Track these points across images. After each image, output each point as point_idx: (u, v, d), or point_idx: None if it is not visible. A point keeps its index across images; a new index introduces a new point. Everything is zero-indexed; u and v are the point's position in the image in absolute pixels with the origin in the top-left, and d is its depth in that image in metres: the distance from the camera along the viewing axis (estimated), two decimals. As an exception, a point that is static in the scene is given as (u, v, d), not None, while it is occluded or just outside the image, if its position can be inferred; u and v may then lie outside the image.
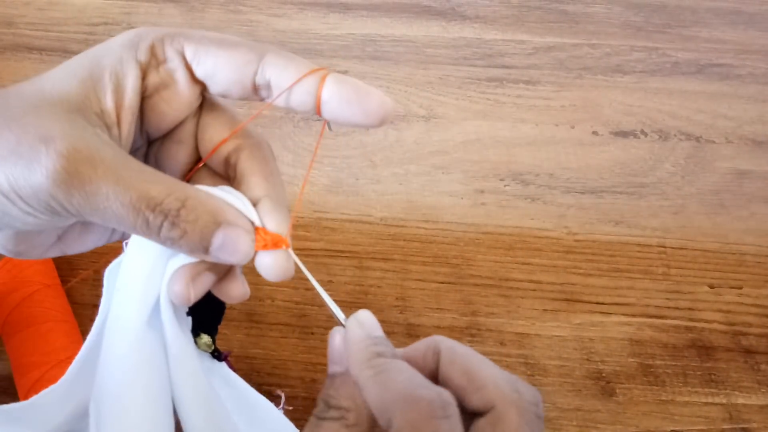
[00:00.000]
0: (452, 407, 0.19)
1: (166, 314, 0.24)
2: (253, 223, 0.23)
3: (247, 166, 0.25)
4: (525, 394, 0.21)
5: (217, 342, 0.50)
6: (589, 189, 0.58)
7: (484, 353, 0.54)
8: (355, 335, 0.23)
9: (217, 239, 0.21)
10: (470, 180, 0.58)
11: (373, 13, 0.67)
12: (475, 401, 0.21)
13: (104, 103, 0.23)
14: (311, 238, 0.54)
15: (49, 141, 0.20)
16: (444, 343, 0.23)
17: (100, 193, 0.20)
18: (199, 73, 0.24)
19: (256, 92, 0.24)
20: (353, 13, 0.67)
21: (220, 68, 0.23)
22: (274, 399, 0.44)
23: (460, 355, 0.22)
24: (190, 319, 0.26)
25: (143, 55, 0.23)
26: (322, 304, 0.52)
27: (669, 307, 0.52)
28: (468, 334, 0.50)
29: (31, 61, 0.63)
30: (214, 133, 0.25)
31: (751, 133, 0.61)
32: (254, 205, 0.24)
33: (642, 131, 0.61)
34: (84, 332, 0.48)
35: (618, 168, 0.59)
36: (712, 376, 0.49)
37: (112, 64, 0.23)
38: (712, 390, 0.49)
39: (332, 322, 0.53)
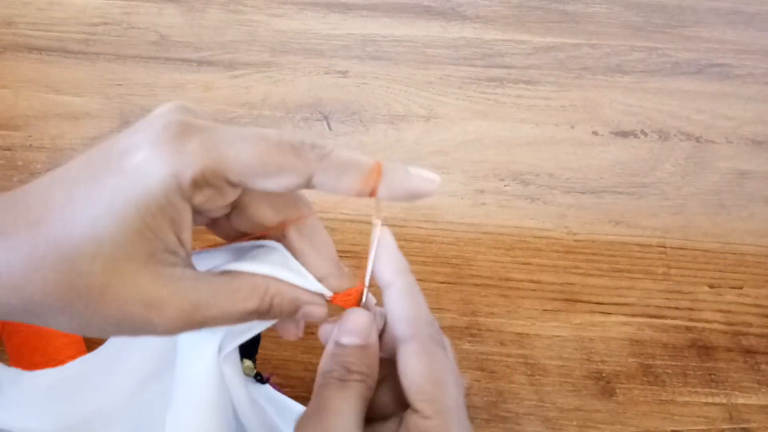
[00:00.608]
0: None
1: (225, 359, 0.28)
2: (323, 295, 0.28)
3: (304, 249, 0.28)
4: (420, 332, 0.27)
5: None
6: (589, 189, 0.58)
7: (484, 353, 0.54)
8: (392, 247, 0.28)
9: (299, 315, 0.27)
10: (470, 180, 0.58)
11: (373, 13, 0.67)
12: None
13: (166, 237, 0.23)
14: (311, 238, 0.54)
15: (151, 309, 0.23)
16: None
17: (210, 324, 0.25)
18: (247, 189, 0.25)
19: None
20: (353, 13, 0.67)
21: (268, 190, 0.24)
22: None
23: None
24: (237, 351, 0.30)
25: (188, 192, 0.23)
26: (322, 304, 0.52)
27: (669, 307, 0.52)
28: (468, 334, 0.50)
29: (31, 61, 0.63)
30: (260, 215, 0.27)
31: (751, 133, 0.61)
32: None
33: (642, 131, 0.61)
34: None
35: (618, 168, 0.59)
36: (712, 376, 0.49)
37: (160, 206, 0.22)
38: (712, 390, 0.49)
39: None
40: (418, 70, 0.64)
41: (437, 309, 0.51)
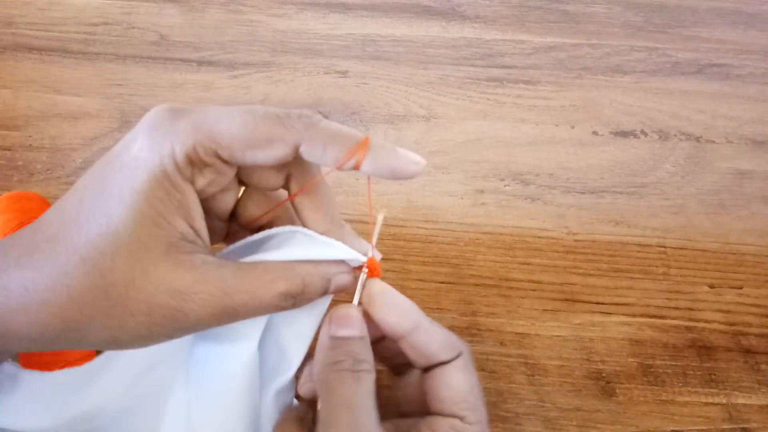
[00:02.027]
0: None
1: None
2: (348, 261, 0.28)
3: (304, 204, 0.28)
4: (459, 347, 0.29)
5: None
6: (589, 189, 0.58)
7: (484, 353, 0.54)
8: (393, 295, 0.30)
9: (330, 290, 0.27)
10: (470, 180, 0.58)
11: (373, 13, 0.67)
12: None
13: (180, 226, 0.24)
14: (311, 238, 0.54)
15: (182, 300, 0.23)
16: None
17: (241, 313, 0.24)
18: (238, 165, 0.25)
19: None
20: (353, 13, 0.67)
21: (259, 163, 0.25)
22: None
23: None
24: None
25: (186, 170, 0.23)
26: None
27: (669, 307, 0.52)
28: (468, 334, 0.50)
29: (31, 61, 0.63)
30: (265, 180, 0.28)
31: (751, 133, 0.61)
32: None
33: (642, 131, 0.61)
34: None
35: (618, 168, 0.59)
36: (712, 376, 0.49)
37: (164, 189, 0.23)
38: (712, 390, 0.49)
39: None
40: (417, 70, 0.64)
41: (437, 309, 0.51)
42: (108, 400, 0.30)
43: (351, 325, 0.27)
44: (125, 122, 0.59)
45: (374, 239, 0.29)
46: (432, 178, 0.57)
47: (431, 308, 0.51)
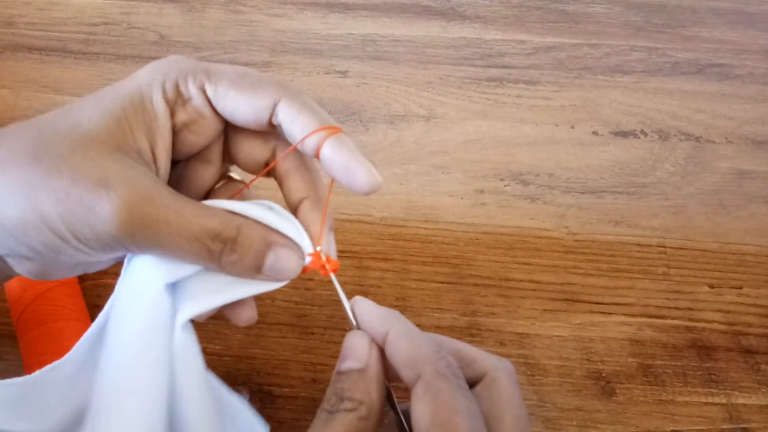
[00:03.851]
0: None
1: (178, 331, 0.25)
2: (302, 248, 0.25)
3: (285, 168, 0.27)
4: (506, 363, 0.25)
5: (215, 342, 0.50)
6: (589, 189, 0.58)
7: (484, 353, 0.54)
8: (369, 304, 0.25)
9: (269, 260, 0.24)
10: (470, 180, 0.58)
11: (373, 13, 0.67)
12: (468, 372, 0.24)
13: (140, 141, 0.23)
14: (311, 238, 0.54)
15: (107, 185, 0.21)
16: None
17: (163, 232, 0.22)
18: (220, 110, 0.25)
19: (273, 129, 0.26)
20: (353, 13, 0.67)
21: (239, 110, 0.25)
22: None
23: (446, 340, 0.25)
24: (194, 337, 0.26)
25: (171, 93, 0.24)
26: (322, 305, 0.52)
27: (669, 307, 0.52)
28: (468, 334, 0.50)
29: (31, 61, 0.63)
30: (249, 150, 0.27)
31: (751, 133, 0.61)
32: (296, 206, 0.26)
33: (642, 131, 0.61)
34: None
35: (618, 168, 0.59)
36: (712, 376, 0.49)
37: (143, 103, 0.24)
38: (712, 390, 0.49)
39: (332, 322, 0.53)
40: (418, 70, 0.64)
41: (437, 309, 0.51)
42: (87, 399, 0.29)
43: (349, 356, 0.24)
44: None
45: (324, 226, 0.26)
46: (432, 178, 0.57)
47: (431, 308, 0.51)
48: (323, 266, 0.25)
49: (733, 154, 0.60)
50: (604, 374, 0.49)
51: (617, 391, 0.49)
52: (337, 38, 0.65)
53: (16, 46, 0.64)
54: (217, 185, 0.29)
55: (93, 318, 0.50)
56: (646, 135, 0.61)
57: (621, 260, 0.54)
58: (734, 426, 0.48)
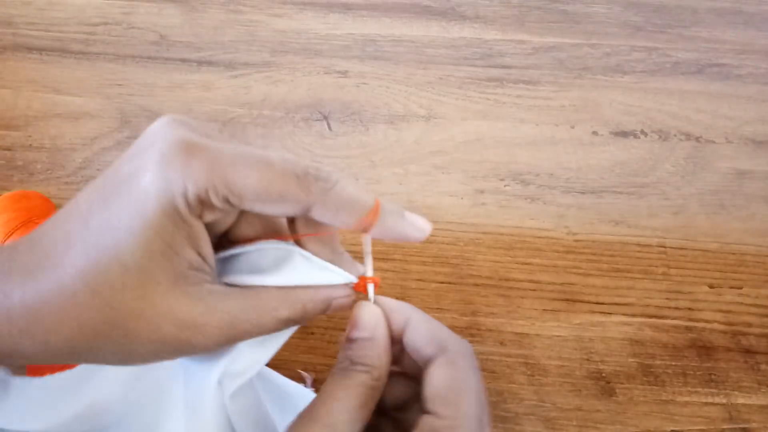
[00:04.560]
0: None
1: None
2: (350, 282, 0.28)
3: (307, 237, 0.28)
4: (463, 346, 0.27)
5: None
6: (589, 189, 0.58)
7: (484, 353, 0.54)
8: (388, 301, 0.29)
9: (330, 310, 0.28)
10: (470, 180, 0.58)
11: (373, 13, 0.67)
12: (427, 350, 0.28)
13: (190, 258, 0.24)
14: (311, 238, 0.54)
15: (188, 330, 0.24)
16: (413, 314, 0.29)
17: (242, 340, 0.26)
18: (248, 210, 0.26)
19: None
20: (353, 13, 0.67)
21: (268, 214, 0.26)
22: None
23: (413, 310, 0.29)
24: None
25: (195, 207, 0.23)
26: (322, 304, 0.52)
27: (669, 307, 0.52)
28: (468, 333, 0.50)
29: (31, 61, 0.63)
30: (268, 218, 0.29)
31: (751, 133, 0.61)
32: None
33: (642, 131, 0.61)
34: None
35: (618, 168, 0.59)
36: (712, 376, 0.49)
37: (179, 225, 0.23)
38: (712, 390, 0.49)
39: (332, 322, 0.53)
40: (418, 70, 0.64)
41: (437, 309, 0.51)
42: (104, 401, 0.30)
43: (360, 326, 0.27)
44: (125, 122, 0.59)
45: (368, 262, 0.29)
46: (432, 178, 0.57)
47: (431, 308, 0.51)
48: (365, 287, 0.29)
49: (733, 154, 0.60)
50: (604, 374, 0.49)
51: (617, 391, 0.49)
52: (337, 38, 0.65)
53: (16, 46, 0.64)
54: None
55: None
56: (646, 135, 0.61)
57: (621, 260, 0.54)
58: (734, 426, 0.48)
